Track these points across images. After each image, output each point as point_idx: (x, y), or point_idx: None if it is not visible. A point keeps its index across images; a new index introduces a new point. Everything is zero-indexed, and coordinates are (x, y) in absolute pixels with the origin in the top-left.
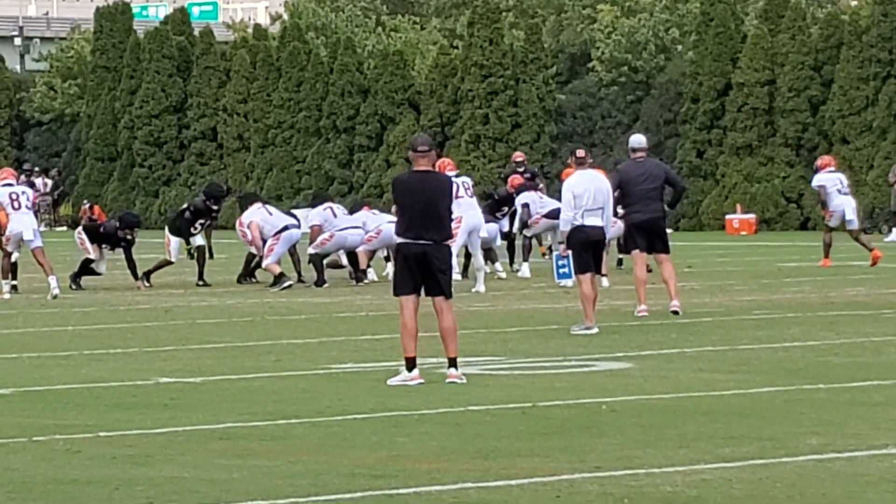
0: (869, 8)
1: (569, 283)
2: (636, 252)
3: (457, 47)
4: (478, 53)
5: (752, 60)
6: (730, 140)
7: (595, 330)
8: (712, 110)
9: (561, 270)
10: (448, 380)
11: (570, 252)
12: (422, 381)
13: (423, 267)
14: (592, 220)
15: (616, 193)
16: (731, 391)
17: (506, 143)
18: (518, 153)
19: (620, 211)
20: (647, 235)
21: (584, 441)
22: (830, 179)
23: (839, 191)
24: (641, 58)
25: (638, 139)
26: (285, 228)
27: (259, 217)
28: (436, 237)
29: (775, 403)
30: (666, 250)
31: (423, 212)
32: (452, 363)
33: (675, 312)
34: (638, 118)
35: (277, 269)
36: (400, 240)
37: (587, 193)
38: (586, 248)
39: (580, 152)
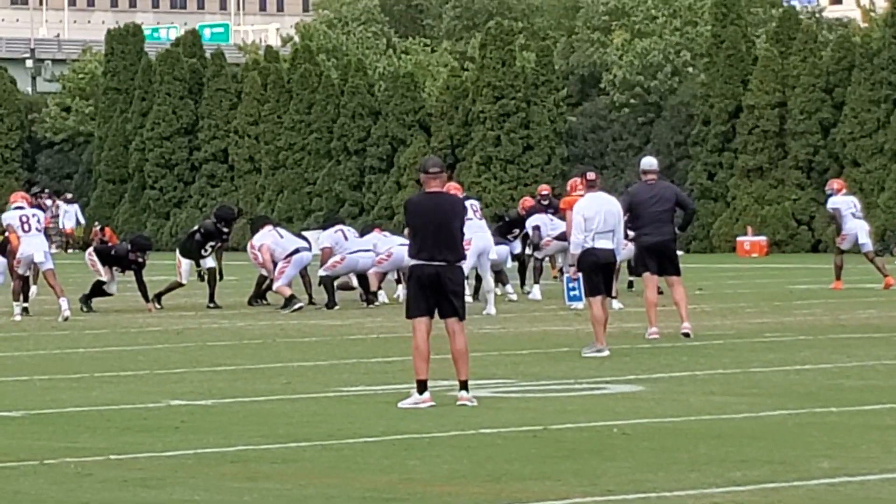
0: (880, 31)
1: (579, 305)
2: (647, 275)
3: (468, 69)
4: (490, 75)
5: (762, 83)
6: (740, 162)
7: (606, 353)
8: (723, 133)
9: (572, 293)
10: (459, 402)
11: (580, 275)
12: (433, 403)
13: (436, 288)
14: (603, 243)
15: (626, 216)
16: (742, 414)
17: (517, 166)
18: (544, 186)
19: (631, 233)
20: (657, 258)
21: (595, 464)
22: (845, 203)
23: (853, 214)
24: (656, 79)
25: (649, 161)
26: (296, 251)
27: (270, 240)
28: (449, 258)
29: (786, 427)
30: (677, 272)
31: (436, 233)
32: (464, 386)
33: (686, 335)
34: (649, 140)
35: (288, 292)
36: (413, 262)
37: (598, 216)
38: (597, 270)
39: (591, 175)
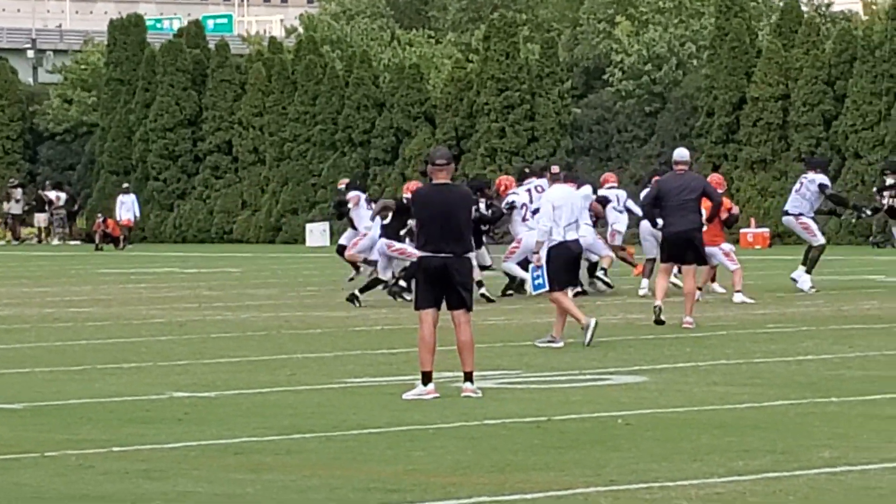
0: (882, 24)
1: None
2: (663, 265)
3: (472, 61)
4: (494, 67)
5: (766, 75)
6: (744, 154)
7: (560, 344)
8: (727, 124)
9: (536, 282)
10: (463, 394)
11: (543, 262)
12: (437, 395)
13: (444, 280)
14: (572, 235)
15: (648, 202)
16: (744, 404)
17: (522, 157)
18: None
19: (660, 222)
20: (681, 246)
21: (598, 455)
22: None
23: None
24: (662, 70)
25: (681, 153)
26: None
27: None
28: (456, 250)
29: (788, 416)
30: (699, 262)
31: (442, 225)
32: (468, 377)
33: (687, 327)
34: (654, 132)
35: (360, 258)
36: (420, 253)
37: (566, 206)
38: (568, 263)
39: (555, 168)
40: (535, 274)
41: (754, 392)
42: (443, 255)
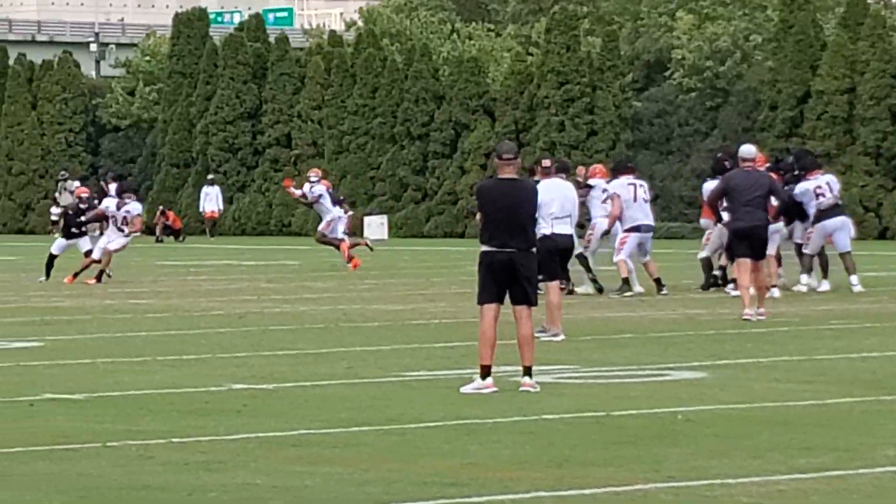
0: None
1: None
2: (740, 259)
3: (532, 54)
4: (554, 60)
5: (831, 68)
6: (808, 148)
7: (562, 337)
8: (791, 118)
9: None
10: (522, 388)
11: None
12: (495, 389)
13: (508, 275)
14: (561, 229)
15: (719, 199)
16: (806, 401)
17: (581, 151)
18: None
19: (725, 217)
20: (748, 242)
21: (658, 450)
22: None
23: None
24: (725, 65)
25: (749, 149)
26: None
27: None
28: (521, 245)
29: (852, 414)
30: (762, 256)
31: (506, 220)
32: (527, 372)
33: (758, 320)
34: (716, 126)
35: (625, 272)
36: (484, 248)
37: (554, 202)
38: (555, 255)
39: (546, 162)
40: None
41: (817, 389)
42: (508, 249)
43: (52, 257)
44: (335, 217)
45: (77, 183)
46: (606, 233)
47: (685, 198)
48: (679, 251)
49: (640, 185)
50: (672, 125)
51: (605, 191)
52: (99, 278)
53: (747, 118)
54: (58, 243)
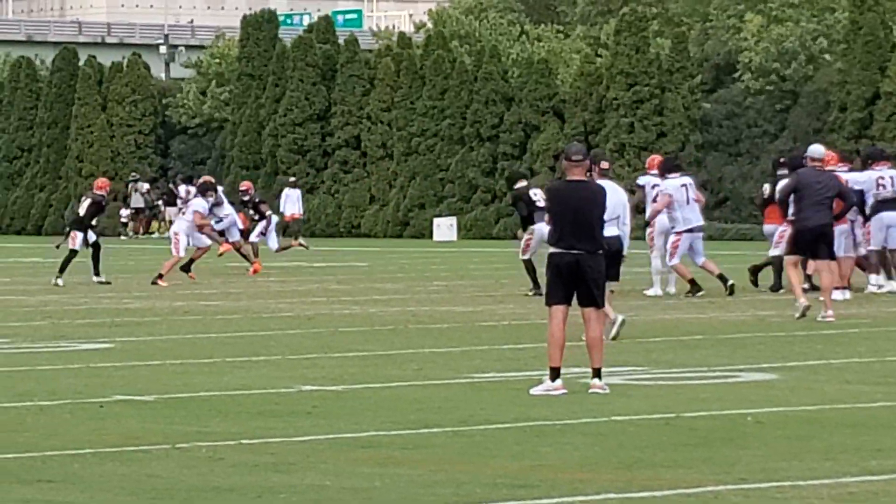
0: None
1: None
2: (788, 257)
3: (601, 55)
4: (624, 62)
5: None
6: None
7: (620, 319)
8: (860, 119)
9: None
10: (591, 390)
11: None
12: (565, 391)
13: (576, 276)
14: (610, 231)
15: (785, 194)
16: (878, 403)
17: (651, 153)
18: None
19: (791, 214)
20: (815, 241)
21: (728, 452)
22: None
23: None
24: (791, 67)
25: (818, 149)
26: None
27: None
28: (588, 247)
29: None
30: (831, 257)
31: (574, 221)
32: (596, 373)
33: (826, 321)
34: (785, 127)
35: (687, 274)
36: (552, 249)
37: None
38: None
39: (604, 164)
40: None
41: (888, 391)
42: (575, 251)
43: (72, 253)
44: (229, 225)
45: (147, 185)
46: (647, 224)
47: (755, 199)
48: (749, 252)
49: (690, 185)
50: (741, 127)
51: (655, 186)
52: (187, 268)
53: (817, 119)
54: (78, 240)
